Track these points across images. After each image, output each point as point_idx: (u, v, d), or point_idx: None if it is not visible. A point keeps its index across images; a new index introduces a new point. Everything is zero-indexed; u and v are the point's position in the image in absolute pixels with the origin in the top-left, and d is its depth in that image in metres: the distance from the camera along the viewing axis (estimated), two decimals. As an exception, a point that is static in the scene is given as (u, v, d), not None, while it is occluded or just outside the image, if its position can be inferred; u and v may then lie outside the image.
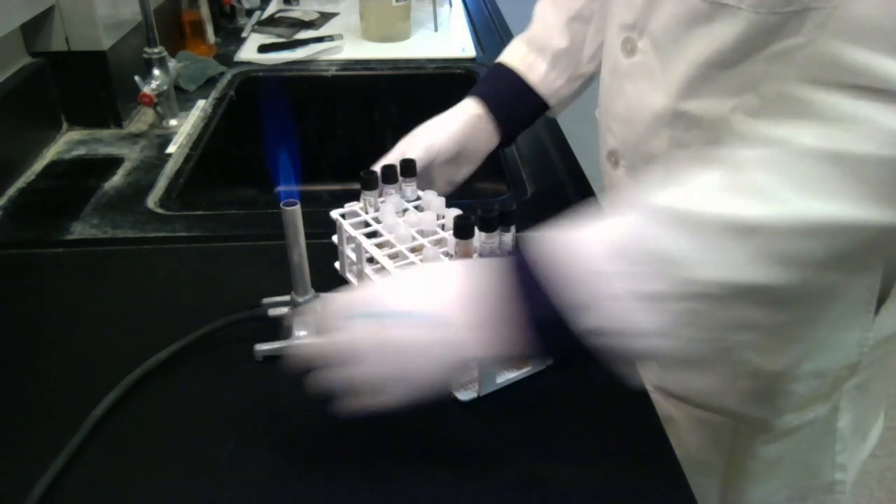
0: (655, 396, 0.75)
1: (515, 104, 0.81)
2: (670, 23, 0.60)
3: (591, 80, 0.83)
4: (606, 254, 0.42)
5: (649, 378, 0.75)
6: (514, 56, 0.82)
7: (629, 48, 0.65)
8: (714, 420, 0.75)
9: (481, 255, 0.60)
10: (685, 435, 0.77)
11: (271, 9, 1.57)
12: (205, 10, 1.34)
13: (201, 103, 1.16)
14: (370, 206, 0.69)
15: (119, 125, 1.06)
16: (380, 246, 0.65)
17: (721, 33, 0.56)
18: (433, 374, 0.47)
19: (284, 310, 0.63)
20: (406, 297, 0.48)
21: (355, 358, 0.47)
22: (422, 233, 0.65)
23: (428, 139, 0.75)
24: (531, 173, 0.94)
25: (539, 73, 0.81)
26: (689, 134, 0.58)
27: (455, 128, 0.77)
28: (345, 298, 0.49)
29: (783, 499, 0.81)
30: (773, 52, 0.55)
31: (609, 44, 0.70)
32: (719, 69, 0.58)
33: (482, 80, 0.84)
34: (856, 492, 0.88)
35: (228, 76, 1.27)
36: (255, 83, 1.29)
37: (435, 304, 0.47)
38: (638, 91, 0.65)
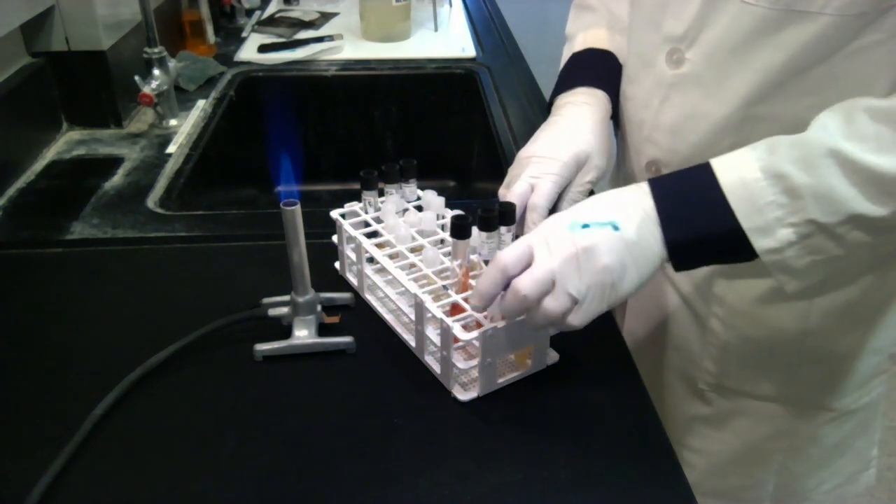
0: (712, 395, 0.76)
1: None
2: (729, 33, 0.59)
3: None
4: (775, 186, 0.51)
5: (705, 378, 0.76)
6: (601, 40, 0.78)
7: (675, 59, 0.64)
8: (775, 410, 0.75)
9: (481, 255, 0.60)
10: (744, 429, 0.77)
11: (271, 9, 1.57)
12: (205, 10, 1.34)
13: (201, 103, 1.16)
14: (370, 206, 0.69)
15: (119, 125, 1.06)
16: (380, 246, 0.65)
17: (796, 38, 0.56)
18: (627, 280, 0.52)
19: (284, 310, 0.63)
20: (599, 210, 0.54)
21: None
22: (422, 233, 0.65)
23: (599, 162, 0.67)
24: (531, 173, 0.94)
25: (624, 55, 0.76)
26: (758, 135, 0.57)
27: (607, 135, 0.70)
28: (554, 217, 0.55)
29: (831, 486, 0.82)
30: (852, 50, 0.55)
31: (644, 54, 0.69)
32: (795, 73, 0.58)
33: (589, 67, 0.76)
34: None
35: (228, 76, 1.27)
36: (255, 83, 1.29)
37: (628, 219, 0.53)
38: (689, 101, 0.64)
